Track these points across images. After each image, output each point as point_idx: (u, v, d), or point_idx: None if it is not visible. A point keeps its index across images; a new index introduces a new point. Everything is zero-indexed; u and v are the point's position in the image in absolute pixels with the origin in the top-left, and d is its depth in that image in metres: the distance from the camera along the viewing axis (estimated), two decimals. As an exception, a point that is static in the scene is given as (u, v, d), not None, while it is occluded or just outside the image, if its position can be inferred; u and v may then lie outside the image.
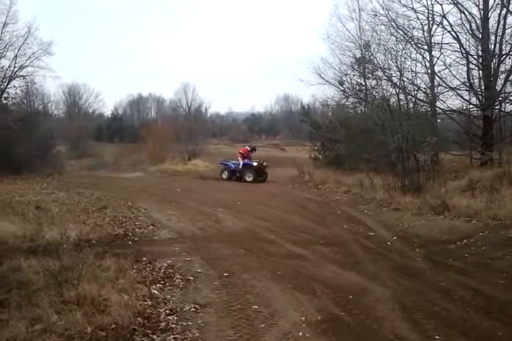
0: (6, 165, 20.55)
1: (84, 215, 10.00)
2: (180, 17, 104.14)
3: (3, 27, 24.29)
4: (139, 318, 4.48)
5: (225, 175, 21.22)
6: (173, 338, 4.20)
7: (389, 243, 7.94)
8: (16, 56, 25.10)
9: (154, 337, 4.20)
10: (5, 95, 25.64)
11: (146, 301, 4.98)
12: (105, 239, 7.97)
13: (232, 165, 21.10)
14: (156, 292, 5.37)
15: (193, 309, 4.90)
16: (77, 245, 7.17)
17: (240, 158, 21.15)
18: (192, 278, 6.00)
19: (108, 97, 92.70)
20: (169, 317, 4.64)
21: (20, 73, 25.71)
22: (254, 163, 20.59)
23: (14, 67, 25.31)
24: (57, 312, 4.50)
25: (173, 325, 4.47)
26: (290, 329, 4.36)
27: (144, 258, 6.79)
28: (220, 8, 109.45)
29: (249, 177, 20.21)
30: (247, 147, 22.16)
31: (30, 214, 9.40)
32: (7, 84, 25.49)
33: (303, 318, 4.62)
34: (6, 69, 25.12)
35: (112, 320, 4.34)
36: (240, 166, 20.72)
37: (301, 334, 4.27)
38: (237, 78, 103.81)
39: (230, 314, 4.78)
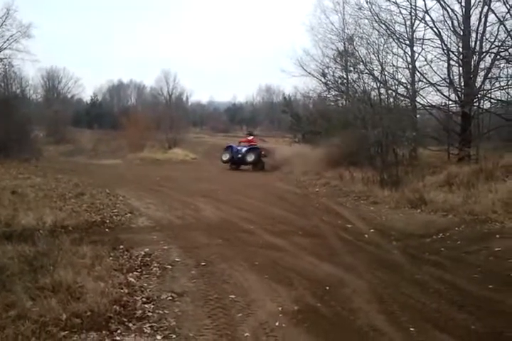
0: (-18, 149, 20.18)
1: (61, 201, 9.88)
2: (164, 4, 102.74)
3: (-19, 9, 23.73)
4: (115, 306, 4.43)
5: (225, 157, 21.81)
6: (149, 326, 4.17)
7: (366, 235, 8.00)
8: (-6, 38, 24.60)
9: (130, 324, 4.17)
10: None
11: (122, 289, 4.94)
12: (82, 225, 7.89)
13: (236, 149, 21.65)
14: (133, 280, 5.33)
15: (170, 298, 4.87)
16: (53, 231, 7.11)
17: (244, 143, 22.09)
18: (169, 266, 5.97)
19: (88, 83, 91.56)
20: (146, 306, 4.61)
21: (-2, 56, 25.21)
22: (255, 147, 21.55)
23: (-9, 49, 24.80)
24: (31, 298, 4.44)
25: (150, 314, 4.44)
26: (267, 319, 4.37)
27: (121, 246, 6.74)
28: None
29: (250, 158, 21.04)
30: (248, 137, 22.83)
31: (6, 200, 9.26)
32: (-16, 67, 24.98)
33: (279, 308, 4.64)
34: (-16, 52, 24.62)
35: (87, 308, 4.29)
36: (244, 150, 21.35)
37: (277, 324, 4.28)
38: (219, 67, 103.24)
39: (207, 303, 4.76)
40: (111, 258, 6.10)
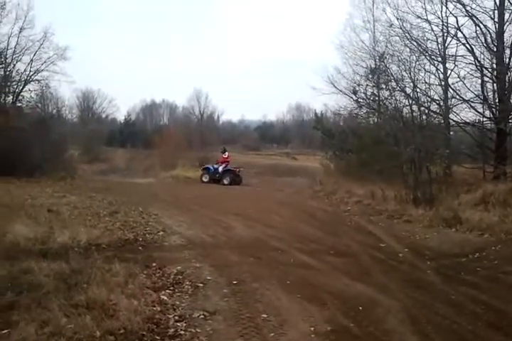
0: (20, 168, 20.72)
1: (95, 219, 10.05)
2: (195, 25, 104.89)
3: (20, 31, 24.63)
4: (148, 324, 4.48)
5: (205, 178, 23.37)
6: (182, 345, 4.19)
7: (400, 255, 7.88)
8: (32, 60, 25.44)
9: (163, 343, 4.20)
10: (20, 98, 25.96)
11: (155, 307, 4.99)
12: (115, 243, 8.01)
13: (212, 169, 23.30)
14: (165, 298, 5.37)
15: (202, 316, 4.88)
16: (87, 249, 7.24)
17: (220, 164, 23.30)
18: (201, 284, 5.99)
19: (122, 103, 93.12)
20: (178, 324, 4.63)
21: (36, 77, 26.07)
22: (232, 169, 23.13)
23: (30, 71, 25.65)
24: (66, 315, 4.51)
25: (182, 332, 4.46)
26: (299, 339, 4.34)
27: (154, 264, 6.80)
28: (234, 17, 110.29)
29: (226, 181, 22.60)
30: (224, 154, 23.83)
31: (42, 217, 9.47)
32: (22, 88, 25.82)
33: (312, 328, 4.59)
34: (22, 73, 25.46)
35: (120, 325, 4.34)
36: (220, 170, 22.91)
37: (310, 344, 4.24)
38: (250, 86, 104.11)
39: (239, 322, 4.76)
40: (144, 276, 6.16)
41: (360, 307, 5.19)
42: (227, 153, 23.72)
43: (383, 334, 4.48)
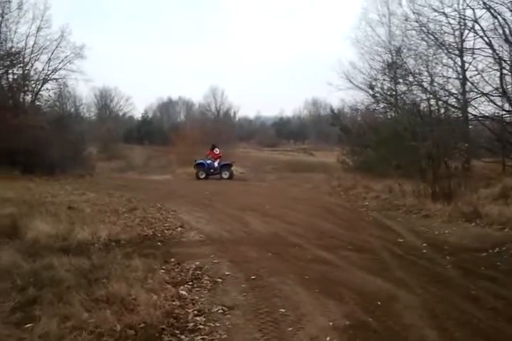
0: (40, 166, 21.08)
1: (114, 216, 10.16)
2: (210, 23, 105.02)
3: (38, 31, 25.04)
4: (167, 318, 4.53)
5: (202, 175, 23.48)
6: (201, 339, 4.23)
7: (418, 250, 7.82)
8: (50, 59, 25.86)
9: (182, 337, 4.25)
10: (38, 97, 26.31)
11: (174, 301, 5.04)
12: (135, 239, 8.10)
13: (206, 164, 23.55)
14: (184, 293, 5.42)
15: (221, 311, 4.92)
16: (107, 245, 7.34)
17: (213, 159, 23.62)
18: (220, 280, 6.03)
19: (138, 100, 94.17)
20: (197, 318, 4.68)
21: (54, 76, 26.47)
22: (228, 163, 23.79)
23: (47, 70, 26.07)
24: (87, 310, 4.60)
25: (201, 326, 4.50)
26: (317, 334, 4.34)
27: (173, 259, 6.87)
28: (249, 13, 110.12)
29: (225, 175, 23.17)
30: (214, 150, 24.06)
31: (63, 214, 9.60)
32: (41, 87, 26.21)
33: (330, 323, 4.60)
34: (40, 72, 25.84)
35: (140, 319, 4.40)
36: (217, 166, 23.38)
37: (328, 339, 4.24)
38: (266, 82, 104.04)
39: (257, 317, 4.78)
40: (163, 271, 6.23)
41: (379, 302, 5.17)
42: (217, 149, 24.00)
43: (402, 329, 4.47)
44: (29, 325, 4.25)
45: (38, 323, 4.25)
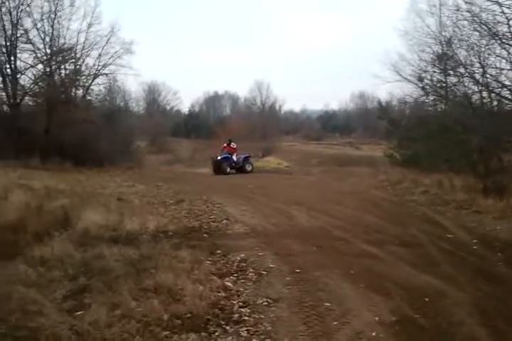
0: (90, 158, 21.75)
1: (162, 208, 10.38)
2: (255, 16, 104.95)
3: (89, 27, 25.61)
4: (213, 309, 4.60)
5: (228, 170, 22.82)
6: (246, 330, 4.27)
7: (468, 246, 7.60)
8: (100, 55, 26.33)
9: (227, 327, 4.30)
10: (89, 92, 27.08)
11: (219, 293, 5.12)
12: (181, 231, 8.25)
13: (230, 159, 23.03)
14: (230, 284, 5.49)
15: (266, 303, 4.95)
16: (155, 236, 7.50)
17: (232, 153, 23.20)
18: (264, 272, 6.06)
19: (185, 94, 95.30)
20: (242, 310, 4.73)
21: (104, 71, 26.95)
22: (248, 156, 23.98)
23: (98, 65, 26.56)
24: (135, 299, 4.73)
25: (246, 317, 4.55)
26: (363, 329, 4.30)
27: (218, 251, 6.96)
28: (294, 5, 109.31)
29: (249, 167, 23.39)
30: (231, 145, 23.74)
31: (112, 206, 9.86)
32: (91, 82, 26.86)
33: (376, 318, 4.54)
34: (91, 68, 26.48)
35: (187, 309, 4.49)
36: (238, 159, 23.16)
37: (374, 334, 4.20)
38: (311, 76, 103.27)
39: (302, 310, 4.78)
40: (209, 262, 6.33)
41: (427, 298, 5.07)
42: (234, 144, 23.79)
43: (450, 326, 4.37)
44: (80, 313, 4.39)
45: (88, 311, 4.39)
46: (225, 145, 23.84)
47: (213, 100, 71.21)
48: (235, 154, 23.38)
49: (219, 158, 22.96)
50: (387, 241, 7.92)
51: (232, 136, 31.05)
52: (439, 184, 13.72)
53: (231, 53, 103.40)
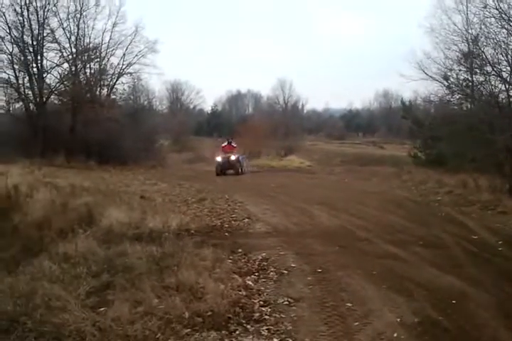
0: (114, 156, 22.04)
1: (184, 206, 10.46)
2: (278, 16, 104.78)
3: (113, 27, 26.00)
4: (234, 307, 4.60)
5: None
6: (267, 329, 4.26)
7: (493, 247, 7.46)
8: (124, 54, 26.73)
9: (248, 326, 4.30)
10: (114, 91, 27.42)
11: (240, 291, 5.12)
12: (203, 229, 8.30)
13: (241, 160, 22.79)
14: (251, 283, 5.49)
15: (287, 302, 4.93)
16: (177, 234, 7.55)
17: (235, 153, 22.61)
18: (286, 271, 6.04)
19: (208, 93, 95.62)
20: (263, 309, 4.71)
21: (128, 70, 27.31)
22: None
23: (122, 64, 26.93)
24: (157, 296, 4.75)
25: (267, 317, 4.53)
26: (385, 330, 4.25)
27: (240, 250, 6.97)
28: (317, 5, 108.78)
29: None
30: (232, 144, 23.37)
31: (135, 204, 9.97)
32: (116, 81, 27.28)
33: (398, 319, 4.49)
34: (115, 67, 26.83)
35: (208, 308, 4.49)
36: (241, 159, 22.75)
37: (396, 335, 4.15)
38: (335, 74, 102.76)
39: (323, 310, 4.75)
40: (230, 261, 6.34)
41: (450, 300, 4.99)
42: (234, 144, 23.55)
43: (474, 329, 4.29)
44: (103, 309, 4.44)
45: (111, 307, 4.43)
46: (225, 144, 23.51)
47: (236, 99, 71.38)
48: (236, 153, 23.02)
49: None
50: (410, 241, 7.83)
51: (255, 135, 31.13)
52: (463, 184, 13.54)
53: (254, 52, 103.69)
